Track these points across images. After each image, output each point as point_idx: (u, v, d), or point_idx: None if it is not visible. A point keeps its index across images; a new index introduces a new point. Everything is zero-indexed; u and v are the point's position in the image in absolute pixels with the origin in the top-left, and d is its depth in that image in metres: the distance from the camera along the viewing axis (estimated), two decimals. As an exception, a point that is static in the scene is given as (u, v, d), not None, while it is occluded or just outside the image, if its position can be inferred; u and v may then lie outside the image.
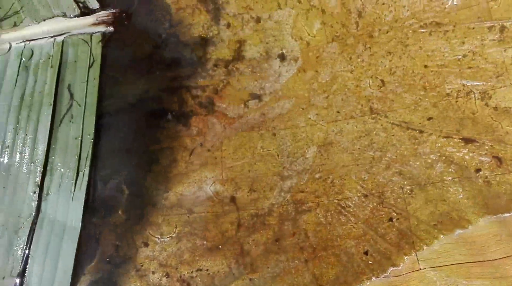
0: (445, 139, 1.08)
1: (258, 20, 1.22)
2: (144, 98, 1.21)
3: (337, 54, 1.17)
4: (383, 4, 1.16)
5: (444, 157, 1.07)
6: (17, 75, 1.01)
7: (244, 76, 1.20)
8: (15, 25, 1.03)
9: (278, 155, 1.15)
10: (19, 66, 1.02)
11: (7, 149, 0.98)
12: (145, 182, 1.15)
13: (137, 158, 1.17)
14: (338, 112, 1.14)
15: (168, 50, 1.23)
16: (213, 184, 1.14)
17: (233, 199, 1.12)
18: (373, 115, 1.12)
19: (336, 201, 1.08)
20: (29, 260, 0.95)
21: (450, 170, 1.06)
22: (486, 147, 1.05)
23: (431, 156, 1.08)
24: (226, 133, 1.18)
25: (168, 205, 1.14)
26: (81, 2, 1.00)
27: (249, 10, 1.22)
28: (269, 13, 1.22)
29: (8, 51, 1.03)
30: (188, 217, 1.12)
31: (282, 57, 1.20)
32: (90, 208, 1.10)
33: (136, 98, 1.21)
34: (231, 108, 1.20)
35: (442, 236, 1.02)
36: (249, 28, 1.22)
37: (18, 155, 0.98)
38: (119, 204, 1.13)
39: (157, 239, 1.11)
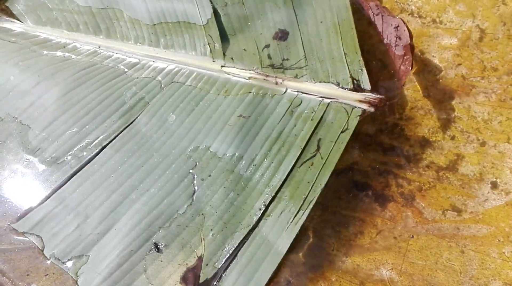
0: None
1: (483, 144, 1.30)
2: (354, 168, 1.36)
3: (556, 207, 1.18)
4: None
5: None
6: (283, 115, 1.23)
7: (451, 186, 1.28)
8: (296, 76, 1.27)
9: (461, 273, 1.17)
10: (287, 108, 1.24)
11: (254, 166, 1.19)
12: (329, 239, 1.27)
13: (328, 215, 1.30)
14: (539, 261, 1.14)
15: (389, 137, 1.37)
16: (390, 270, 1.21)
17: (405, 293, 1.17)
18: None
19: None
20: (231, 264, 1.11)
21: None
22: None
23: None
24: (416, 230, 1.25)
25: (344, 269, 1.23)
26: (356, 80, 1.19)
27: (478, 133, 1.31)
28: (496, 142, 1.29)
29: (283, 93, 1.27)
30: (361, 290, 1.19)
31: (494, 185, 1.25)
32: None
33: (348, 165, 1.36)
34: (429, 210, 1.27)
35: None
36: (471, 147, 1.31)
37: (258, 174, 1.18)
38: (301, 247, 1.26)
39: (325, 295, 1.20)
